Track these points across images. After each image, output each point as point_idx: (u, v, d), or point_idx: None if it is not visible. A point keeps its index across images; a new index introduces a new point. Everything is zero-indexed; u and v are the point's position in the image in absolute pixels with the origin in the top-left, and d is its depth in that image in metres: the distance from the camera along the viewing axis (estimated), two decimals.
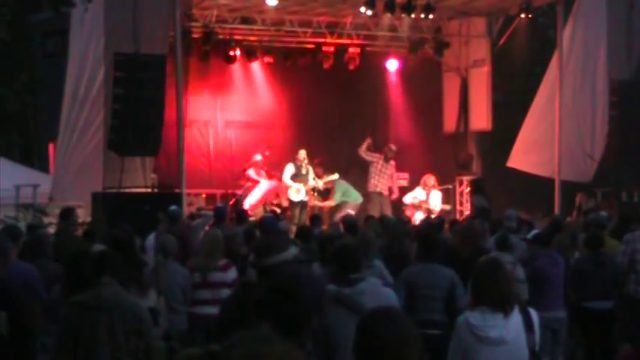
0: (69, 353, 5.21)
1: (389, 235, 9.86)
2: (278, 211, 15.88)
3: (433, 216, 15.57)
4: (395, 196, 17.49)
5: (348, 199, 17.15)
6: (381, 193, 17.26)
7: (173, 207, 11.54)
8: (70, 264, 5.70)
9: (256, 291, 4.46)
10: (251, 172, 16.99)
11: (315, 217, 13.15)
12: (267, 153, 17.29)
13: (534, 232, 8.48)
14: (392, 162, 17.38)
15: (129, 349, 5.29)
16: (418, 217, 16.32)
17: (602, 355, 8.41)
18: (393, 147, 17.56)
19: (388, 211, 16.34)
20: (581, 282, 8.30)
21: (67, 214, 11.07)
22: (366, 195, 17.47)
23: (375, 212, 16.14)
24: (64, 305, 5.36)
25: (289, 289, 2.80)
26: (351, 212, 15.80)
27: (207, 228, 11.24)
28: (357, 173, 18.42)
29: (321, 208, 16.91)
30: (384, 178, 17.28)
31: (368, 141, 17.59)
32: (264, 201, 16.66)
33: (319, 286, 2.93)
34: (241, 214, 12.94)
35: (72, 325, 5.22)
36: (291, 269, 2.91)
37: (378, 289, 5.15)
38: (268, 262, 4.39)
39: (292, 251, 4.87)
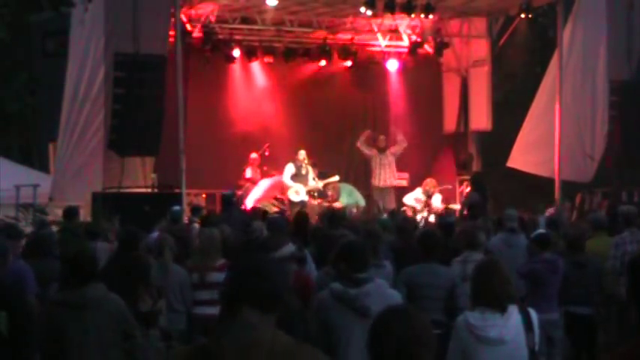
0: (47, 350, 5.23)
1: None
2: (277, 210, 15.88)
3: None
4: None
5: (353, 200, 17.18)
6: (384, 189, 17.30)
7: (176, 207, 11.55)
8: (66, 263, 5.71)
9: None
10: (248, 172, 17.01)
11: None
12: (266, 153, 17.29)
13: (538, 232, 8.36)
14: (388, 151, 17.41)
15: (120, 348, 5.31)
16: (421, 217, 16.28)
17: (588, 357, 8.42)
18: (382, 137, 17.67)
19: (390, 206, 16.43)
20: (563, 286, 8.22)
21: (70, 214, 11.03)
22: (371, 191, 17.51)
23: (376, 208, 16.18)
24: (45, 303, 5.38)
25: (261, 269, 2.87)
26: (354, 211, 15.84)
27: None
28: (357, 173, 18.44)
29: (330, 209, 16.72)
30: (385, 170, 17.31)
31: (367, 133, 17.64)
32: (267, 197, 16.68)
33: (285, 268, 3.03)
34: (241, 213, 12.95)
35: (53, 324, 5.23)
36: (255, 255, 3.01)
37: (384, 291, 5.09)
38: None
39: (289, 248, 4.89)
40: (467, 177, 19.40)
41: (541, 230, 8.41)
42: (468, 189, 18.64)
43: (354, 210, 16.47)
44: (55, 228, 11.55)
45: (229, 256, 7.89)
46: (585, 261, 8.42)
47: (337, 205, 16.87)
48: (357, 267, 5.07)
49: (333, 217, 10.34)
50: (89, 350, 5.22)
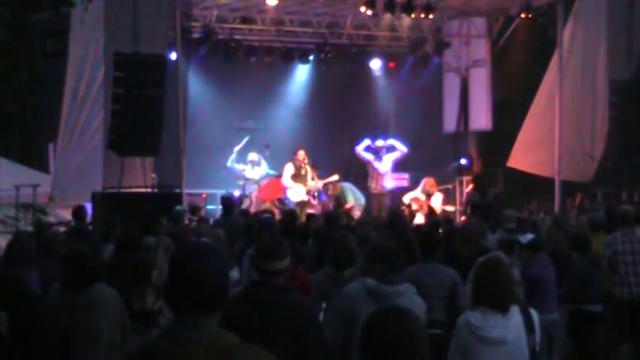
0: (52, 352, 5.24)
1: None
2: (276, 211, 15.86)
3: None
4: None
5: (357, 199, 17.18)
6: (378, 195, 17.28)
7: (178, 207, 11.54)
8: (68, 264, 5.71)
9: (262, 291, 4.51)
10: (248, 171, 17.01)
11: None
12: (267, 153, 17.29)
13: (529, 237, 8.29)
14: (385, 157, 17.40)
15: (120, 347, 5.32)
16: (419, 218, 16.25)
17: (591, 355, 8.44)
18: (379, 144, 17.64)
19: (383, 212, 16.37)
20: (579, 284, 8.21)
21: (80, 213, 11.02)
22: (367, 195, 17.51)
23: (372, 213, 16.14)
24: (48, 305, 5.38)
25: (200, 271, 2.86)
26: (358, 213, 15.82)
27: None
28: (357, 173, 18.42)
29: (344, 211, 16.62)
30: (381, 177, 17.30)
31: (367, 142, 17.65)
32: (267, 196, 16.68)
33: (224, 261, 2.99)
34: (244, 213, 12.94)
35: (60, 327, 5.23)
36: (194, 256, 2.95)
37: (412, 297, 5.20)
38: (272, 266, 4.51)
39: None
40: (467, 177, 19.43)
41: (528, 235, 8.34)
42: (469, 188, 18.69)
43: (357, 210, 16.46)
44: (62, 229, 11.57)
45: None
46: (598, 259, 8.45)
47: (347, 205, 16.85)
48: (391, 268, 5.20)
49: (332, 217, 10.35)
50: (98, 349, 5.23)
